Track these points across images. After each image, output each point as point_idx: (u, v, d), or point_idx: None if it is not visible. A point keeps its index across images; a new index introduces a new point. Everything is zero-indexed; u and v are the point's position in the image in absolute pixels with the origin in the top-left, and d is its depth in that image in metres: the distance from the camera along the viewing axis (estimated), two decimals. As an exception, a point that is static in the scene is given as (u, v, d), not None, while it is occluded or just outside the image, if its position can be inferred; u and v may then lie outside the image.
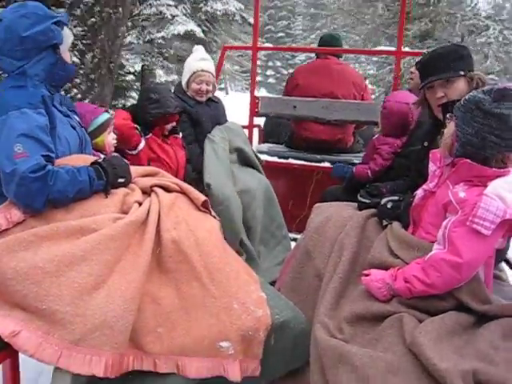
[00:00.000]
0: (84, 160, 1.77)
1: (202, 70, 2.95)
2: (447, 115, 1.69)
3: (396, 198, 1.95)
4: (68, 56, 1.88)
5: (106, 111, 2.26)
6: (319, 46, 4.08)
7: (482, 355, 1.37)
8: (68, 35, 1.86)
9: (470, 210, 1.46)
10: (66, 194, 1.61)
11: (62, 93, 1.98)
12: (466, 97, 1.57)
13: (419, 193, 1.74)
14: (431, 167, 1.73)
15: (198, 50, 3.09)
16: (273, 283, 2.45)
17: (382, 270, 1.63)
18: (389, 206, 1.91)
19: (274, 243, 2.92)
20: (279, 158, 3.73)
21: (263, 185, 2.94)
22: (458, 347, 1.43)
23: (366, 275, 1.64)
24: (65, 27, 1.83)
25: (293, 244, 2.78)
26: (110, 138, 2.24)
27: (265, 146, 4.04)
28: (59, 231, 1.52)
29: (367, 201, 2.07)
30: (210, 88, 3.03)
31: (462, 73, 1.96)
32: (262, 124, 4.62)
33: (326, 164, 3.56)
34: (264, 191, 2.89)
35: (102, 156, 2.08)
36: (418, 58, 2.71)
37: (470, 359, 1.33)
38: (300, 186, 3.68)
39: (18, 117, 1.60)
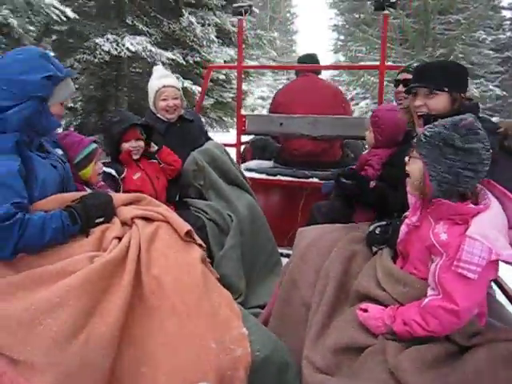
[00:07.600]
0: (61, 200, 1.72)
1: (164, 86, 2.90)
2: (406, 158, 1.63)
3: (384, 222, 1.91)
4: (58, 109, 1.85)
5: (94, 141, 2.20)
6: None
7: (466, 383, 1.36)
8: (64, 90, 1.82)
9: (454, 253, 1.42)
10: (38, 242, 1.57)
11: None
12: (427, 133, 1.53)
13: (403, 228, 1.69)
14: (410, 199, 1.69)
15: (158, 70, 3.04)
16: (260, 307, 2.44)
17: (379, 307, 1.61)
18: (377, 231, 1.88)
19: (266, 272, 2.85)
20: (268, 175, 3.72)
21: (252, 210, 2.84)
22: (443, 375, 1.42)
23: (363, 310, 1.62)
24: (62, 82, 1.79)
25: (285, 260, 2.74)
26: (96, 168, 2.17)
27: (253, 164, 4.03)
28: (35, 278, 1.49)
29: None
30: (178, 102, 2.94)
31: (446, 89, 1.92)
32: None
33: (315, 180, 3.54)
34: (252, 216, 2.80)
35: (88, 190, 2.05)
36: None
37: None
38: (290, 201, 3.67)
39: None
